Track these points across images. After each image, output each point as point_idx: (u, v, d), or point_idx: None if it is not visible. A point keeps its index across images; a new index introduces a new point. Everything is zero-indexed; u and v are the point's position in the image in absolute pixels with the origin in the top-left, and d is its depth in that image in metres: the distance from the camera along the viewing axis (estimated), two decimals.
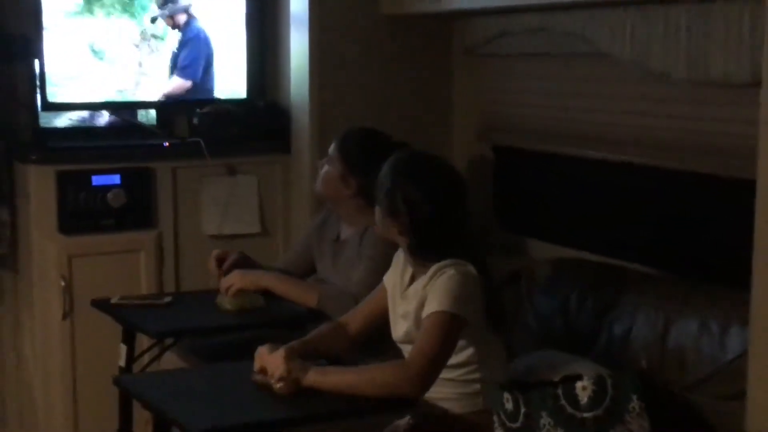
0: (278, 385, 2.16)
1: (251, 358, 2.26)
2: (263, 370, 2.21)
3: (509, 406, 2.10)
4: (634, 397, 2.08)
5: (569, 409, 2.08)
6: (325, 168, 2.91)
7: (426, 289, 2.24)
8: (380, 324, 2.43)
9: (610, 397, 2.09)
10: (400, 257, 2.43)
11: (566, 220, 3.21)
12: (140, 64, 3.55)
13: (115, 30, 3.49)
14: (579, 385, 2.10)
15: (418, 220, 2.25)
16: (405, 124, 3.48)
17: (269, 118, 3.65)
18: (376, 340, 2.45)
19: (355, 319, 2.46)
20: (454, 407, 2.27)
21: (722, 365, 2.27)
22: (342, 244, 2.93)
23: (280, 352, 2.19)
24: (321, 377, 2.17)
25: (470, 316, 2.20)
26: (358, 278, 2.75)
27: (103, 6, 3.44)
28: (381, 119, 3.38)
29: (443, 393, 2.25)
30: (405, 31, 3.56)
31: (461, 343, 2.24)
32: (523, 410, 2.07)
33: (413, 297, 2.29)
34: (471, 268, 2.24)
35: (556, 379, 2.18)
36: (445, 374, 2.22)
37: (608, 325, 2.56)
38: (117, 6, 3.47)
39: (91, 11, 3.44)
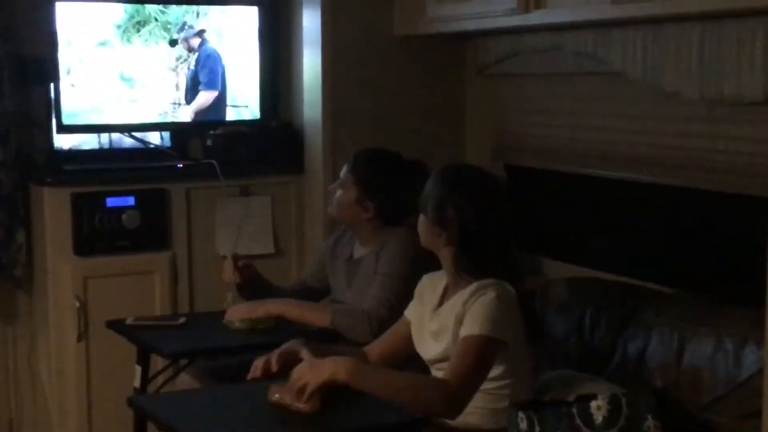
0: (302, 405, 2.11)
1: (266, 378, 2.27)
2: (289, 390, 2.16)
3: (524, 426, 2.11)
4: (650, 417, 2.08)
5: (584, 429, 2.09)
6: (339, 193, 2.91)
7: (465, 307, 2.24)
8: (400, 357, 2.45)
9: (625, 417, 2.09)
10: (423, 286, 2.45)
11: (580, 239, 3.22)
12: (177, 87, 3.58)
13: (149, 56, 3.52)
14: (594, 404, 2.10)
15: (467, 231, 2.27)
16: (418, 144, 3.50)
17: (282, 139, 3.68)
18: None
19: (375, 348, 2.48)
20: (482, 421, 2.27)
21: (738, 384, 2.28)
22: (356, 264, 2.95)
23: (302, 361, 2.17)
24: (362, 373, 2.12)
25: (509, 339, 2.22)
26: (372, 294, 2.77)
27: (140, 35, 3.49)
28: (394, 139, 3.41)
29: (471, 406, 2.24)
30: (418, 52, 3.59)
31: (498, 362, 2.25)
32: (537, 429, 2.08)
33: (449, 313, 2.29)
34: (510, 288, 2.26)
35: (571, 398, 2.18)
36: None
37: (623, 344, 2.57)
38: (156, 32, 3.51)
39: (129, 40, 3.48)
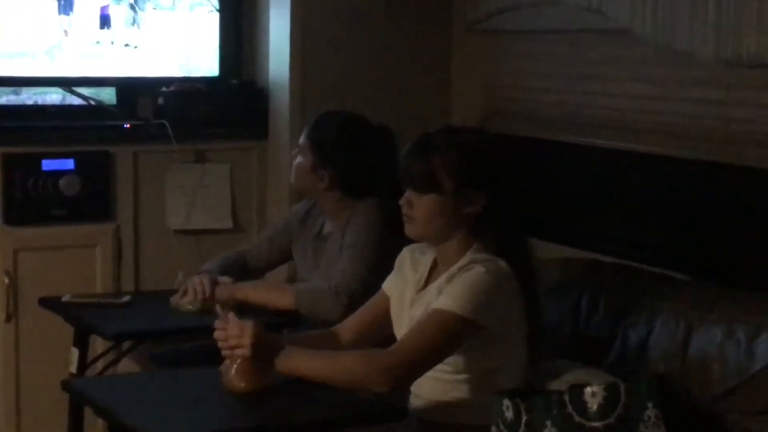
0: (238, 353, 2.19)
1: (218, 364, 2.28)
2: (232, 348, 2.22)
3: (509, 414, 2.12)
4: (650, 405, 2.09)
5: (577, 418, 2.10)
6: (298, 159, 2.94)
7: (450, 282, 2.25)
8: (377, 335, 2.44)
9: (623, 405, 2.10)
10: (404, 257, 2.44)
11: (577, 217, 3.23)
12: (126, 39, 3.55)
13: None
14: (588, 390, 2.11)
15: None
16: (398, 109, 3.50)
17: (244, 99, 3.66)
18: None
19: (347, 328, 2.48)
20: (472, 417, 2.26)
21: (750, 377, 2.29)
22: (323, 240, 2.94)
23: (250, 323, 2.22)
24: (286, 360, 2.20)
25: (490, 322, 2.21)
26: (340, 268, 2.77)
27: None
28: (371, 103, 3.40)
29: (457, 399, 2.26)
30: (400, 4, 3.58)
31: (482, 349, 2.25)
32: (524, 419, 2.09)
33: (434, 296, 2.28)
34: (503, 265, 2.25)
35: (563, 388, 2.19)
36: (459, 376, 2.24)
37: (623, 332, 2.58)
38: None
39: None
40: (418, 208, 2.29)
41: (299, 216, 3.06)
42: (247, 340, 2.20)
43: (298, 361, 2.22)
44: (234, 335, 2.22)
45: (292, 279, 3.22)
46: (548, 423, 2.10)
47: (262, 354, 2.20)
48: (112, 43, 3.58)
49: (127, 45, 3.60)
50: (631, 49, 2.94)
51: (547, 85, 3.31)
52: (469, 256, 2.27)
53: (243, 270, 3.05)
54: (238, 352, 2.20)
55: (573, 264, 2.91)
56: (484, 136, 2.41)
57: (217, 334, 2.26)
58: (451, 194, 2.27)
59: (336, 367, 2.20)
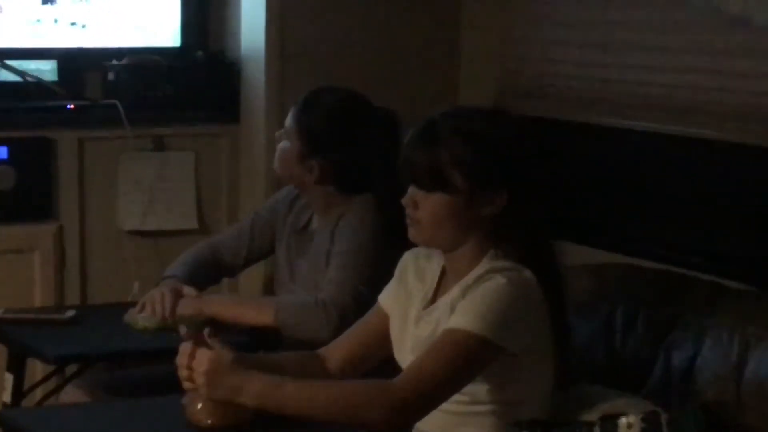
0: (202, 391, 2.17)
1: (181, 393, 2.28)
2: (190, 378, 2.20)
3: None
4: None
5: None
6: (282, 143, 2.93)
7: (465, 296, 2.22)
8: (371, 360, 2.44)
9: None
10: (407, 264, 2.42)
11: (612, 215, 3.25)
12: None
13: None
14: (623, 422, 2.12)
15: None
16: (396, 86, 3.52)
17: (211, 75, 3.68)
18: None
19: (335, 350, 2.45)
20: None
21: None
22: (308, 236, 2.95)
23: (210, 353, 2.19)
24: (259, 391, 2.15)
25: (513, 342, 2.20)
26: (329, 278, 2.78)
27: None
28: (364, 78, 3.40)
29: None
30: None
31: (504, 376, 2.24)
32: None
33: (445, 311, 2.26)
34: (527, 275, 2.23)
35: (594, 419, 2.20)
36: (477, 407, 2.23)
37: (665, 352, 2.58)
38: None
39: None
40: (423, 209, 2.25)
41: (288, 200, 3.04)
42: (201, 368, 2.17)
43: (275, 392, 2.17)
44: (183, 364, 2.20)
45: (269, 281, 3.20)
46: None
47: (222, 385, 2.16)
48: (56, 21, 3.61)
49: (73, 24, 3.63)
50: (675, 13, 2.95)
51: (577, 55, 3.32)
52: (485, 263, 2.25)
53: (216, 269, 3.06)
54: (190, 385, 2.18)
55: (607, 271, 2.91)
56: (502, 119, 2.33)
57: (179, 360, 2.24)
58: (463, 194, 2.22)
59: (329, 400, 2.16)
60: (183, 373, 2.22)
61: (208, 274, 3.02)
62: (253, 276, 3.37)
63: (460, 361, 2.17)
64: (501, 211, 2.24)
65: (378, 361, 2.43)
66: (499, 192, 2.23)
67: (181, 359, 2.22)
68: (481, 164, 2.22)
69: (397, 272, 2.43)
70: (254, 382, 2.17)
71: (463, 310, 2.19)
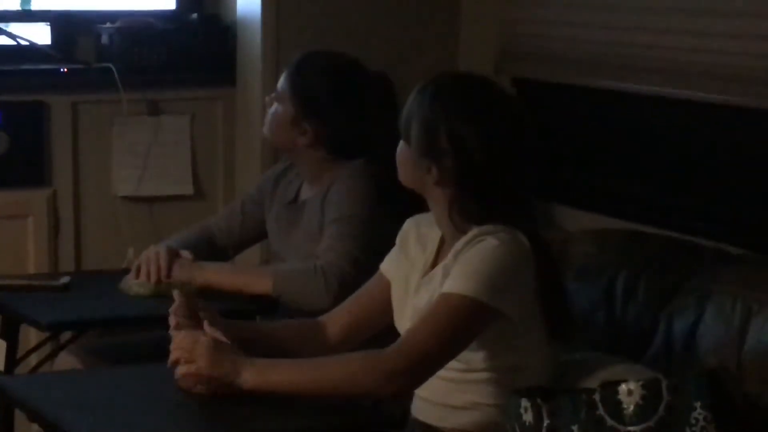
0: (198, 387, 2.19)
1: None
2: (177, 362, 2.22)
3: (528, 417, 2.12)
4: (698, 405, 2.10)
5: (609, 421, 2.09)
6: (274, 107, 2.93)
7: (457, 259, 2.23)
8: (372, 328, 2.44)
9: (666, 405, 2.10)
10: (408, 232, 2.43)
11: (613, 180, 3.24)
12: None
13: None
14: (624, 388, 2.11)
15: (467, 165, 2.25)
16: (394, 49, 3.51)
17: (206, 38, 3.67)
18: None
19: (336, 318, 2.47)
20: (489, 421, 2.27)
21: None
22: (299, 208, 2.95)
23: (202, 338, 2.20)
24: (255, 374, 2.17)
25: (508, 305, 2.20)
26: (327, 246, 2.77)
27: None
28: (362, 41, 3.41)
29: (471, 402, 2.26)
30: None
31: (500, 342, 2.24)
32: (546, 423, 2.10)
33: (441, 277, 2.27)
34: (521, 238, 2.24)
35: (594, 385, 2.20)
36: (473, 375, 2.24)
37: (667, 319, 2.57)
38: None
39: None
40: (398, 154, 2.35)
41: (273, 177, 3.05)
42: (201, 352, 2.18)
43: (271, 372, 2.18)
44: (185, 348, 2.21)
45: (265, 264, 3.22)
46: (574, 428, 2.10)
47: (222, 371, 2.17)
48: None
49: None
50: None
51: (578, 17, 3.30)
52: (476, 228, 2.26)
53: (209, 250, 3.05)
54: (191, 368, 2.19)
55: (608, 236, 2.91)
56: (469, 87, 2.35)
57: (175, 343, 2.24)
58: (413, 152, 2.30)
59: (327, 374, 2.18)
60: (177, 354, 2.23)
61: (201, 255, 2.99)
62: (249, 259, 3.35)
63: (455, 326, 2.18)
64: (456, 175, 2.26)
65: (377, 330, 2.44)
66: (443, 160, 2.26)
67: (180, 341, 2.24)
68: (426, 134, 2.27)
69: (398, 240, 2.45)
70: (254, 363, 2.19)
71: (456, 274, 2.21)
